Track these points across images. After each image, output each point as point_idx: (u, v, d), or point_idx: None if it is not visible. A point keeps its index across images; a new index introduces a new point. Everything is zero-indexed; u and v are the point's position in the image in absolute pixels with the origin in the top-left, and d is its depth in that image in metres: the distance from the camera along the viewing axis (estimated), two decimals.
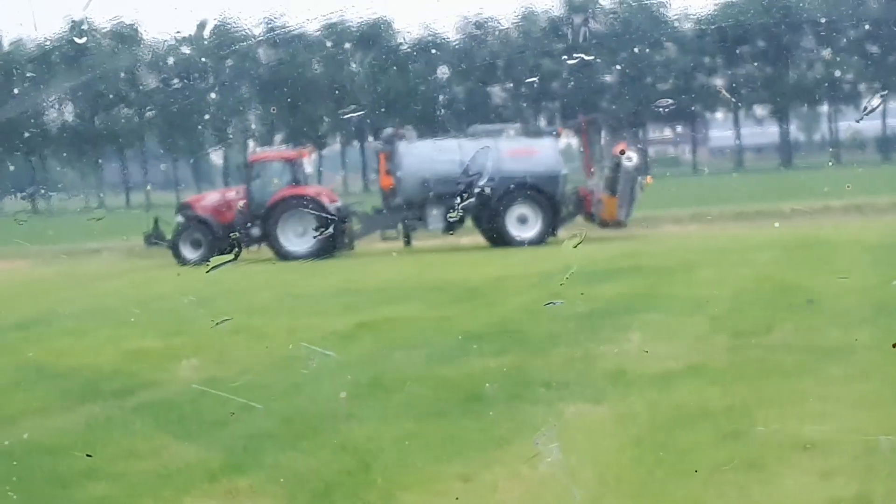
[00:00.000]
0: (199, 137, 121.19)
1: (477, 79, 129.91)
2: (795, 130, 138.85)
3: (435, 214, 34.58)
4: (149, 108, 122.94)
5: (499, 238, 33.53)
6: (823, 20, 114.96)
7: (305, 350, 13.83)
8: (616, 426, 9.07)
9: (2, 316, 20.61)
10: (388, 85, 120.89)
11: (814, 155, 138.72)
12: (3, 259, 39.71)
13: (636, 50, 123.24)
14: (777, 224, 35.16)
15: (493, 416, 9.60)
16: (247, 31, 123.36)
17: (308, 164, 38.54)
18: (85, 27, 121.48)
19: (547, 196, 34.09)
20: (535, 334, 13.69)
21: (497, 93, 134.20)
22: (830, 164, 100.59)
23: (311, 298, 20.32)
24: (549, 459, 8.28)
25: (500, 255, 29.64)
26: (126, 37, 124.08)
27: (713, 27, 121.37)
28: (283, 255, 34.08)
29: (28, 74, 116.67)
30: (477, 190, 33.78)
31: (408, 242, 35.18)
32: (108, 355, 14.36)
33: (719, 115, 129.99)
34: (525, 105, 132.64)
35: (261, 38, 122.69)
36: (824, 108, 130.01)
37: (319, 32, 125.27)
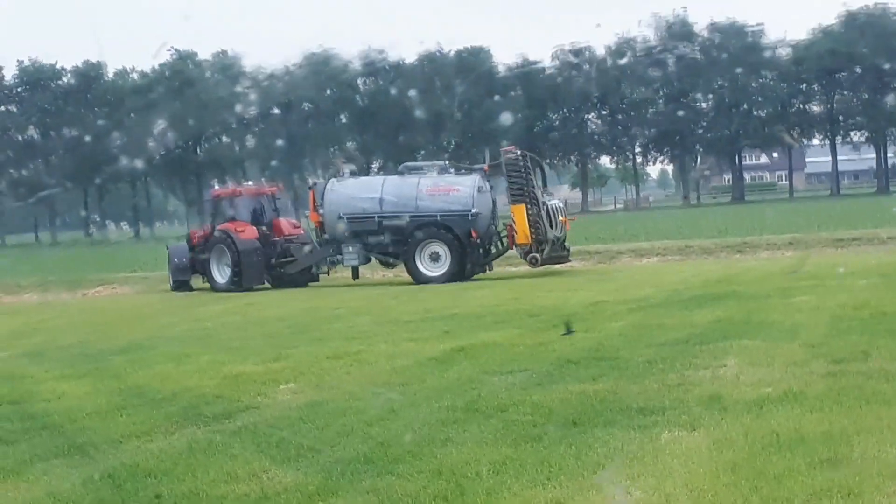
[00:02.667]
0: (298, 165, 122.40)
1: (572, 107, 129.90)
2: (893, 156, 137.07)
3: (351, 251, 35.32)
4: (249, 136, 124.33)
5: (411, 275, 34.24)
6: None
7: (402, 375, 13.95)
8: (712, 452, 9.04)
9: (106, 341, 20.98)
10: (485, 113, 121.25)
11: None
12: (106, 285, 40.32)
13: (732, 77, 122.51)
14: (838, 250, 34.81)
15: (589, 442, 9.62)
16: (346, 61, 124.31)
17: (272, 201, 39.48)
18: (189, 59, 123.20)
19: (455, 235, 34.06)
20: (632, 360, 13.68)
21: (592, 120, 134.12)
22: None
23: (410, 324, 20.46)
24: (644, 485, 8.32)
25: (596, 280, 29.60)
26: (228, 68, 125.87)
27: (810, 54, 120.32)
28: (212, 287, 36.26)
29: (131, 104, 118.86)
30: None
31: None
32: (208, 380, 14.57)
33: (816, 140, 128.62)
34: (620, 132, 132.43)
35: (359, 67, 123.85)
36: None
37: (418, 62, 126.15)
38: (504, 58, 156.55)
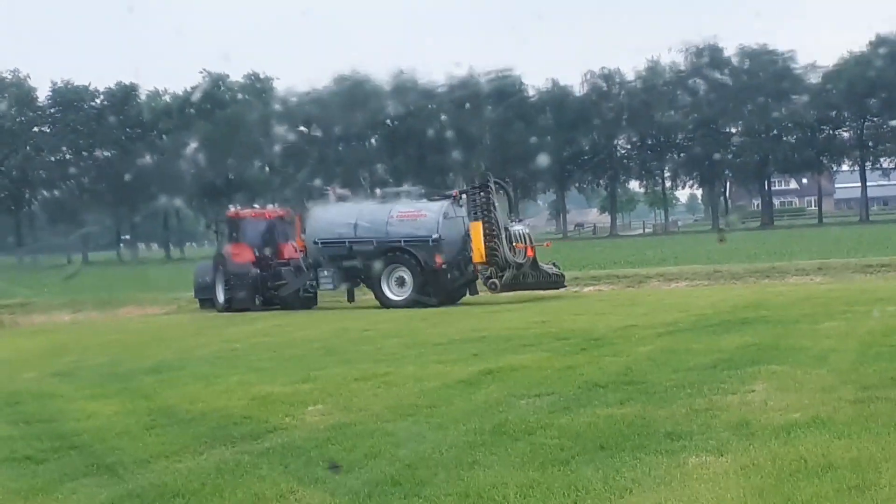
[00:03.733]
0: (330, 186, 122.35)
1: (602, 131, 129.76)
2: None
3: (326, 276, 36.14)
4: (279, 158, 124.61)
5: (377, 299, 35.06)
6: None
7: (429, 398, 13.96)
8: (739, 477, 9.03)
9: (136, 361, 21.06)
10: (515, 137, 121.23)
11: None
12: (137, 305, 40.51)
13: (762, 102, 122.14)
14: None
15: (616, 466, 9.62)
16: (377, 83, 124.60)
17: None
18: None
19: (416, 259, 34.54)
20: (660, 384, 13.67)
21: (622, 144, 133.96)
22: None
23: (438, 346, 20.46)
24: None
25: (625, 304, 29.53)
26: (260, 90, 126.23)
27: (841, 79, 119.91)
28: (215, 306, 37.59)
29: (163, 126, 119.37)
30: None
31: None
32: (237, 400, 14.63)
33: (845, 166, 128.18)
34: (649, 157, 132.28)
35: (390, 90, 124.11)
36: None
37: (448, 85, 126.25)
38: (534, 80, 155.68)
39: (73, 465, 11.21)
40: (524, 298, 34.33)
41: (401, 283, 34.80)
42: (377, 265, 34.98)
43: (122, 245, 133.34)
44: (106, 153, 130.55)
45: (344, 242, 35.78)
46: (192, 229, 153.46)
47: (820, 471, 9.00)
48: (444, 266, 34.57)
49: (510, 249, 33.97)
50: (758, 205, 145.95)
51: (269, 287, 37.58)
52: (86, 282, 57.01)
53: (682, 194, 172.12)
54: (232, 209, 40.86)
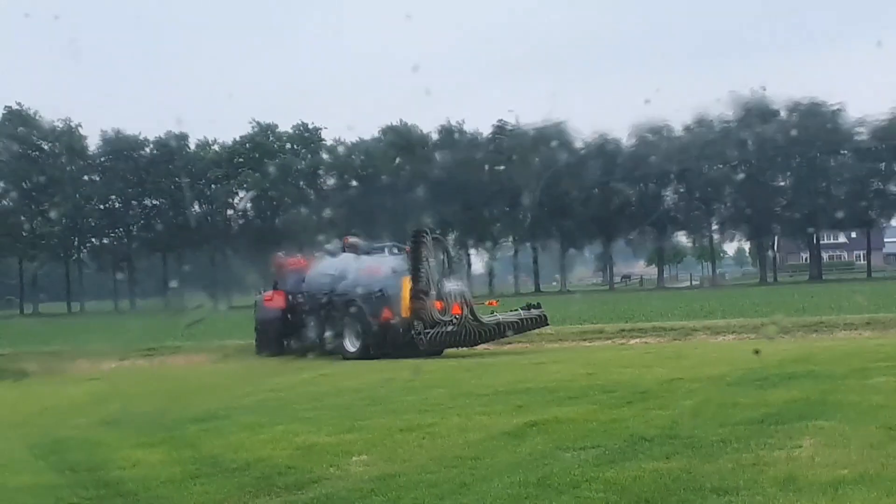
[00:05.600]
0: (376, 237, 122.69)
1: (649, 183, 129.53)
2: None
3: (312, 325, 37.01)
4: (327, 208, 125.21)
5: (338, 350, 35.58)
6: None
7: (474, 449, 13.92)
8: None
9: (182, 409, 21.12)
10: (562, 188, 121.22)
11: None
12: (183, 354, 40.68)
13: (811, 155, 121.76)
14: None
15: None
16: (424, 133, 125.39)
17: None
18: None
19: (362, 313, 35.28)
20: (706, 439, 13.58)
21: (669, 196, 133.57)
22: None
23: (483, 397, 20.40)
24: None
25: (672, 356, 29.36)
26: (308, 140, 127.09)
27: (891, 132, 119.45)
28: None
29: (212, 175, 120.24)
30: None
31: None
32: (281, 450, 14.65)
33: (895, 221, 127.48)
34: (697, 208, 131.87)
35: (437, 140, 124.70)
36: None
37: (494, 136, 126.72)
38: (580, 126, 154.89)
39: None
40: (569, 349, 34.26)
41: (358, 335, 35.47)
42: (339, 317, 35.95)
43: (168, 293, 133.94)
44: (155, 202, 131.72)
45: (318, 294, 37.07)
46: (240, 278, 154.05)
47: None
48: (391, 320, 34.90)
49: (443, 312, 34.58)
50: (806, 258, 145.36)
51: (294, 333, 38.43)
52: (132, 329, 57.29)
53: (730, 247, 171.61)
54: (278, 257, 41.45)
